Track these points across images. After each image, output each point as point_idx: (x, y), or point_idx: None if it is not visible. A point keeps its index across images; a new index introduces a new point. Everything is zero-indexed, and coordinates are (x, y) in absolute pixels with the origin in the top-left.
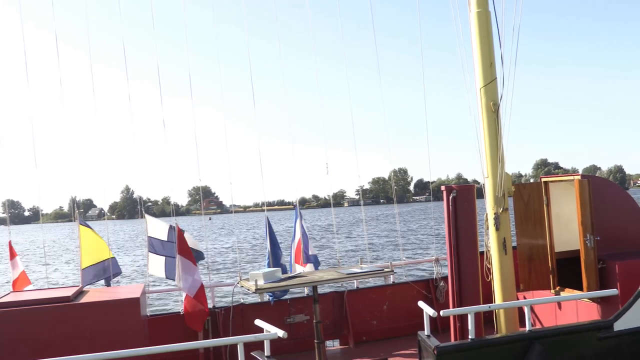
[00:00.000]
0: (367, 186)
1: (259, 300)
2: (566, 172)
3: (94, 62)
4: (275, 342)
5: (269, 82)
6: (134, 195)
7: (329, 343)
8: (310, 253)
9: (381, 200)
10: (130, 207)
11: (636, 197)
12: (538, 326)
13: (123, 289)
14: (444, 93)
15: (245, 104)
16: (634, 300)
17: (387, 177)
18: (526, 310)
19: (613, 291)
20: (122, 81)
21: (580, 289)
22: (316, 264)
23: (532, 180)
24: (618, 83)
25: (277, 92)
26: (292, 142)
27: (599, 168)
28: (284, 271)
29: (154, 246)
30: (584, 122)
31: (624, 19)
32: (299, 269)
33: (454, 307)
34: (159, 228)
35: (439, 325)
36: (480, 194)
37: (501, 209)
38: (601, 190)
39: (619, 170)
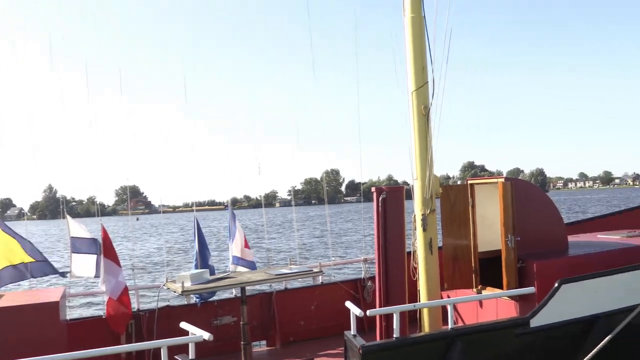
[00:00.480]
0: (299, 187)
1: (186, 303)
2: (492, 174)
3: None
4: (201, 345)
5: (201, 77)
6: (57, 195)
7: (256, 344)
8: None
9: (313, 201)
10: (52, 207)
11: (555, 199)
12: (460, 324)
13: (42, 293)
14: (379, 94)
15: (178, 100)
16: (549, 298)
17: (319, 178)
18: (449, 308)
19: (530, 289)
20: (51, 77)
21: (502, 287)
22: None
23: (459, 182)
24: (544, 89)
25: (209, 87)
26: (228, 142)
27: (522, 171)
28: (212, 272)
29: (79, 246)
30: (510, 126)
31: (542, 20)
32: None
33: (380, 306)
34: (81, 227)
35: (366, 325)
36: (410, 195)
37: (429, 210)
38: (523, 192)
39: (540, 173)
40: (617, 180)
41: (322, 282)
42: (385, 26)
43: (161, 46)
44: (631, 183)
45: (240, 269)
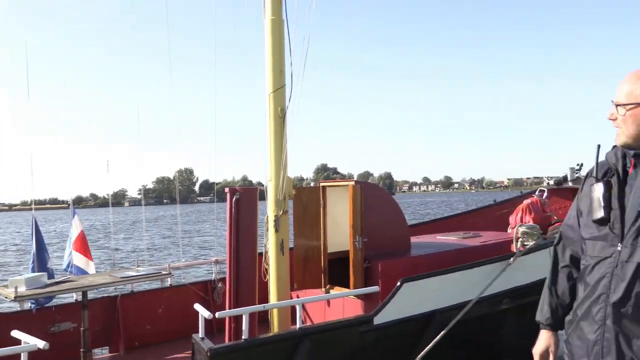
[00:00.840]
0: (150, 185)
1: (19, 309)
2: (344, 177)
3: None
4: (35, 354)
5: (43, 75)
6: None
7: (97, 351)
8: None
9: (165, 201)
10: None
11: (401, 202)
12: (309, 323)
13: None
14: (236, 95)
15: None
16: (392, 296)
17: (172, 177)
18: (297, 308)
19: (374, 288)
20: None
21: (349, 287)
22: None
23: (312, 184)
24: (395, 96)
25: (54, 85)
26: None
27: (372, 174)
28: (51, 276)
29: None
30: (362, 130)
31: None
32: (91, 265)
33: (230, 308)
34: None
35: (215, 328)
36: (264, 196)
37: (281, 212)
38: (371, 195)
39: (388, 176)
40: (456, 185)
41: (170, 285)
42: (245, 28)
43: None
44: (468, 188)
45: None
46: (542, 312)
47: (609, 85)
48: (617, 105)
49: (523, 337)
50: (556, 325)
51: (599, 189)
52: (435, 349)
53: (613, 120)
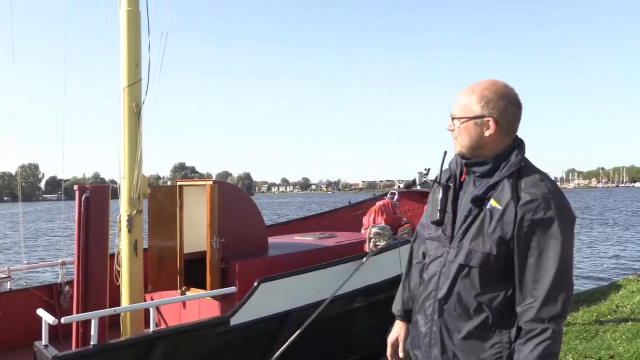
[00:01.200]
0: None
1: None
2: (202, 176)
3: None
4: None
5: None
6: None
7: None
8: None
9: (5, 198)
10: None
11: (260, 202)
12: (164, 326)
13: None
14: (90, 87)
15: None
16: (249, 297)
17: (14, 173)
18: (151, 311)
19: (231, 289)
20: None
21: (206, 288)
22: None
23: (169, 183)
24: (249, 96)
25: None
26: None
27: (231, 174)
28: None
29: None
30: (221, 130)
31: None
32: None
33: (78, 312)
34: None
35: (61, 333)
36: (117, 194)
37: (135, 211)
38: (229, 195)
39: (247, 177)
40: (313, 186)
41: (10, 289)
42: (98, 20)
43: None
44: (325, 189)
45: None
46: (395, 304)
47: (455, 91)
48: (452, 118)
49: (374, 333)
50: (406, 316)
51: (438, 193)
52: (290, 348)
53: (451, 131)
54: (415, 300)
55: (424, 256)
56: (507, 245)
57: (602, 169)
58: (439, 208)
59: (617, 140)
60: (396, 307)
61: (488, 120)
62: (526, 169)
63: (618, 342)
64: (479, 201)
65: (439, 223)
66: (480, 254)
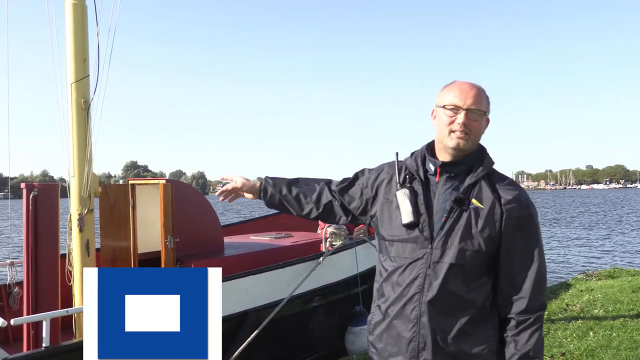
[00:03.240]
0: None
1: None
2: (155, 175)
3: None
4: None
5: None
6: None
7: None
8: None
9: None
10: None
11: (214, 202)
12: None
13: None
14: (37, 82)
15: None
16: None
17: None
18: None
19: None
20: None
21: None
22: None
23: (121, 182)
24: (205, 94)
25: None
26: None
27: (185, 173)
28: None
29: None
30: (175, 129)
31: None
32: None
33: (29, 314)
34: None
35: (11, 336)
36: (67, 193)
37: (86, 210)
38: (183, 194)
39: (202, 176)
40: None
41: None
42: (42, 14)
43: None
44: None
45: None
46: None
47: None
48: (468, 110)
49: (332, 332)
50: (265, 190)
51: (405, 195)
52: (249, 348)
53: (462, 124)
54: (386, 307)
55: (340, 192)
56: (495, 242)
57: (550, 171)
58: (411, 210)
59: (564, 143)
60: (270, 176)
61: (487, 119)
62: (494, 170)
63: (569, 339)
64: (461, 201)
65: (414, 225)
66: (472, 252)
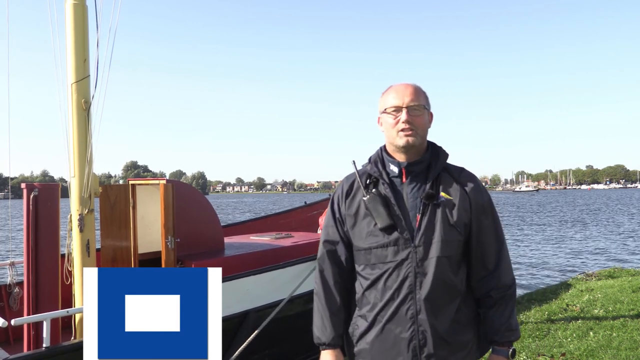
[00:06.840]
0: None
1: None
2: (155, 175)
3: None
4: None
5: None
6: None
7: None
8: None
9: None
10: None
11: (215, 202)
12: None
13: None
14: (35, 84)
15: None
16: None
17: None
18: None
19: None
20: None
21: None
22: None
23: (121, 182)
24: (205, 94)
25: None
26: None
27: (185, 173)
28: None
29: None
30: (174, 128)
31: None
32: None
33: (29, 314)
34: None
35: (12, 336)
36: (66, 193)
37: (87, 210)
38: (183, 194)
39: (202, 176)
40: (268, 187)
41: None
42: (44, 14)
43: None
44: (280, 189)
45: None
46: (324, 331)
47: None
48: (408, 108)
49: None
50: (339, 341)
51: (374, 200)
52: (249, 348)
53: (407, 122)
54: (376, 313)
55: (340, 274)
56: (468, 229)
57: (550, 171)
58: (386, 213)
59: (564, 143)
60: (326, 334)
61: (430, 113)
62: (448, 163)
63: (569, 339)
64: (432, 196)
65: (391, 227)
66: (454, 241)
